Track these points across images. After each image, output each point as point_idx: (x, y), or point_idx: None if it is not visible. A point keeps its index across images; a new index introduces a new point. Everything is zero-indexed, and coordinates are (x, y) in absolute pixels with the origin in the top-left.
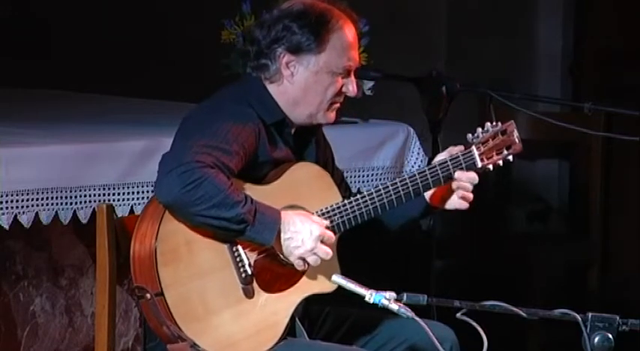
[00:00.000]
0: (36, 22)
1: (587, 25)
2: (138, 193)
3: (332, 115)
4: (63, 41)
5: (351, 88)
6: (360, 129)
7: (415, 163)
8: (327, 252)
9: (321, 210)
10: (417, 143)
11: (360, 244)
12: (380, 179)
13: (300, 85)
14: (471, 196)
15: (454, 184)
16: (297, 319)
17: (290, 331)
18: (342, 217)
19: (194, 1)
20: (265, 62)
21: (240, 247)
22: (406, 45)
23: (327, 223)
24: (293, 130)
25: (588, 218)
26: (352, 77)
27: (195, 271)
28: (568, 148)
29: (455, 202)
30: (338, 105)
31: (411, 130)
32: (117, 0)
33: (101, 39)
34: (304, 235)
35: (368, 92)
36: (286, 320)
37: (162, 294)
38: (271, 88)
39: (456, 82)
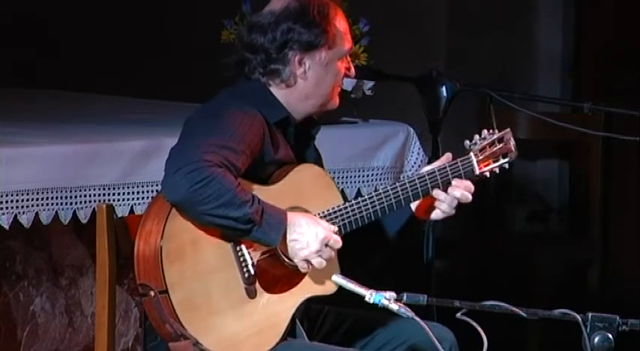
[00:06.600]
0: (36, 22)
1: (587, 24)
2: (138, 193)
3: (337, 100)
4: (63, 41)
5: (351, 68)
6: (360, 129)
7: (415, 163)
8: (331, 255)
9: (323, 212)
10: (417, 143)
11: (360, 244)
12: (380, 179)
13: (313, 80)
14: (469, 198)
15: (449, 190)
16: (296, 319)
17: (290, 331)
18: (343, 219)
19: (194, 1)
20: (276, 67)
21: (243, 247)
22: (406, 45)
23: (335, 228)
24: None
25: (588, 218)
26: (347, 57)
27: (199, 270)
28: (568, 148)
29: (438, 213)
30: (339, 88)
31: (411, 130)
32: (117, 0)
33: (101, 39)
34: (310, 237)
35: (368, 92)
36: (287, 321)
37: (166, 292)
38: (279, 88)
39: (456, 82)
